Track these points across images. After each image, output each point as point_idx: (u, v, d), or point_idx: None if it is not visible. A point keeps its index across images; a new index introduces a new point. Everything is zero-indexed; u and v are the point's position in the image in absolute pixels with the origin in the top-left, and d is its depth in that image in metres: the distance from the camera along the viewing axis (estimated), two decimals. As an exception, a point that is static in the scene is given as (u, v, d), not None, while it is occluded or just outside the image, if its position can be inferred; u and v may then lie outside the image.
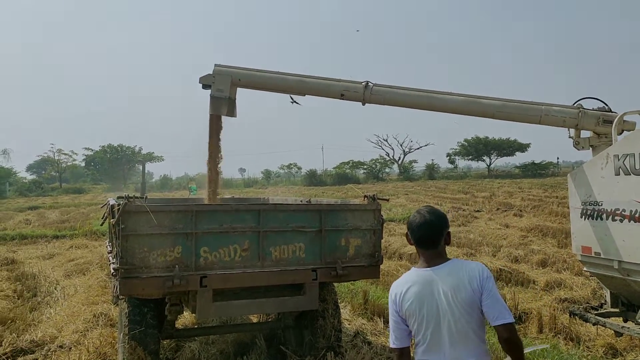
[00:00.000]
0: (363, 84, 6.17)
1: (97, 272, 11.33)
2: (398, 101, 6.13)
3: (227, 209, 4.78)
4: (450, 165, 77.02)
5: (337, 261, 5.01)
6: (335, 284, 6.22)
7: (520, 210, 22.47)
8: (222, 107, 6.47)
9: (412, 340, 2.81)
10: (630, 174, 4.81)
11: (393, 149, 78.21)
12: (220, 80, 6.46)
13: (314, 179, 66.17)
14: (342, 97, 6.25)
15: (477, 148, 71.30)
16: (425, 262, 2.77)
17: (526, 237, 14.63)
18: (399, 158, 77.02)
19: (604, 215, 5.10)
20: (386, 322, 7.16)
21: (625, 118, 5.39)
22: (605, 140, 5.65)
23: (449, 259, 2.76)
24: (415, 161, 77.99)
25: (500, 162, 75.39)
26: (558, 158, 74.10)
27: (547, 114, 5.67)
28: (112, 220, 4.43)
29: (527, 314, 7.67)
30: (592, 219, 5.25)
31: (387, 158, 76.78)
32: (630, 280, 5.02)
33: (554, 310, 7.28)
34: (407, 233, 2.90)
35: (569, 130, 5.86)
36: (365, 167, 75.06)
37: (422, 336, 2.70)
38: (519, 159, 75.00)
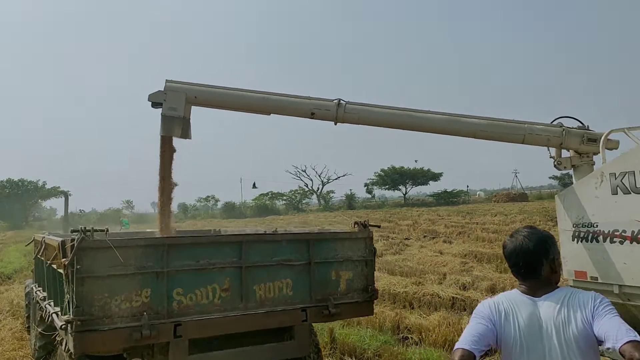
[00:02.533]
0: (335, 101, 5.71)
1: (10, 322, 9.86)
2: (374, 120, 5.71)
3: (203, 241, 4.07)
4: (367, 195, 78.30)
5: (329, 298, 4.40)
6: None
7: (448, 237, 22.81)
8: (175, 127, 5.75)
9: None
10: (630, 193, 4.62)
11: (312, 180, 78.43)
12: (172, 97, 5.75)
13: (233, 211, 64.69)
14: (312, 116, 5.74)
15: (393, 178, 72.98)
16: (528, 290, 2.31)
17: (466, 264, 14.62)
18: (318, 188, 77.34)
19: (601, 237, 4.88)
20: (359, 362, 6.56)
21: (609, 136, 5.27)
22: (587, 160, 5.52)
23: (556, 287, 2.31)
24: (332, 191, 78.67)
25: (412, 191, 77.61)
26: (467, 186, 77.87)
27: (531, 133, 5.47)
28: (63, 260, 3.58)
29: (496, 343, 7.35)
30: (587, 241, 5.02)
31: (307, 189, 76.85)
32: (631, 305, 4.80)
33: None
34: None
35: (549, 149, 5.68)
36: (284, 198, 74.59)
37: None
38: (431, 187, 77.45)
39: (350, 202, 69.95)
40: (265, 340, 4.32)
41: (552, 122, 5.66)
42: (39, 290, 5.80)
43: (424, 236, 24.45)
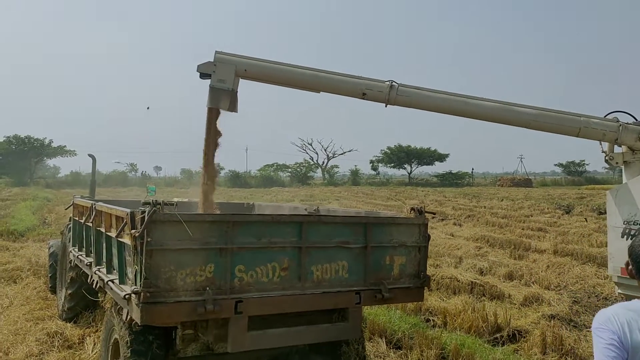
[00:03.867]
0: (387, 83, 5.61)
1: (33, 281, 9.95)
2: (426, 104, 5.63)
3: (266, 219, 4.05)
4: (372, 172, 78.28)
5: (382, 282, 4.41)
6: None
7: (458, 220, 22.85)
8: (223, 100, 5.69)
9: None
10: (690, 194, 4.58)
11: (317, 154, 78.37)
12: (222, 69, 5.67)
13: (237, 180, 64.78)
14: (363, 96, 5.66)
15: (399, 156, 72.91)
16: None
17: (480, 248, 14.67)
18: (323, 162, 77.31)
19: (653, 236, 4.86)
20: (389, 342, 6.63)
21: (666, 135, 5.20)
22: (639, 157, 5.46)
23: None
24: (336, 166, 78.57)
25: (416, 171, 77.48)
26: (473, 169, 77.83)
27: (587, 127, 5.39)
28: (132, 231, 3.57)
29: (521, 332, 7.41)
30: (637, 239, 4.99)
31: (312, 162, 76.84)
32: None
33: (557, 328, 7.04)
34: (627, 262, 2.39)
35: (601, 144, 5.62)
36: (289, 170, 74.66)
37: None
38: (436, 168, 77.41)
39: (354, 178, 69.96)
40: (316, 321, 4.34)
41: (605, 116, 5.59)
42: (81, 255, 5.82)
43: (433, 217, 24.49)
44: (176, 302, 3.60)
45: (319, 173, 78.75)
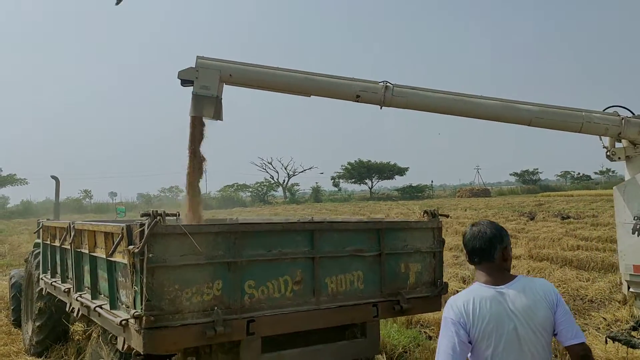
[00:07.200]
0: (382, 84, 5.35)
1: (-6, 314, 9.16)
2: (422, 104, 5.38)
3: (276, 228, 3.68)
4: (334, 188, 78.28)
5: (399, 292, 4.08)
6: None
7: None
8: (208, 107, 5.30)
9: None
10: None
11: (277, 172, 77.75)
12: (205, 75, 5.29)
13: (198, 202, 63.48)
14: (357, 99, 5.37)
15: (360, 171, 73.19)
16: (487, 278, 2.49)
17: (458, 257, 14.56)
18: (284, 181, 76.80)
19: (667, 231, 4.71)
20: (390, 358, 6.28)
21: (669, 127, 5.10)
22: (642, 151, 5.35)
23: (514, 276, 2.51)
24: (297, 184, 78.15)
25: (376, 186, 77.84)
26: (432, 181, 78.89)
27: (589, 122, 5.25)
28: (130, 247, 3.13)
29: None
30: (650, 234, 4.84)
31: (272, 181, 76.21)
32: (695, 300, 4.66)
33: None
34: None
35: (601, 139, 5.49)
36: (250, 190, 73.82)
37: None
38: (396, 182, 78.15)
39: (316, 194, 69.71)
40: (330, 338, 3.97)
41: (603, 111, 5.48)
42: (56, 282, 5.26)
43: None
44: (182, 325, 3.17)
45: (280, 192, 78.13)
